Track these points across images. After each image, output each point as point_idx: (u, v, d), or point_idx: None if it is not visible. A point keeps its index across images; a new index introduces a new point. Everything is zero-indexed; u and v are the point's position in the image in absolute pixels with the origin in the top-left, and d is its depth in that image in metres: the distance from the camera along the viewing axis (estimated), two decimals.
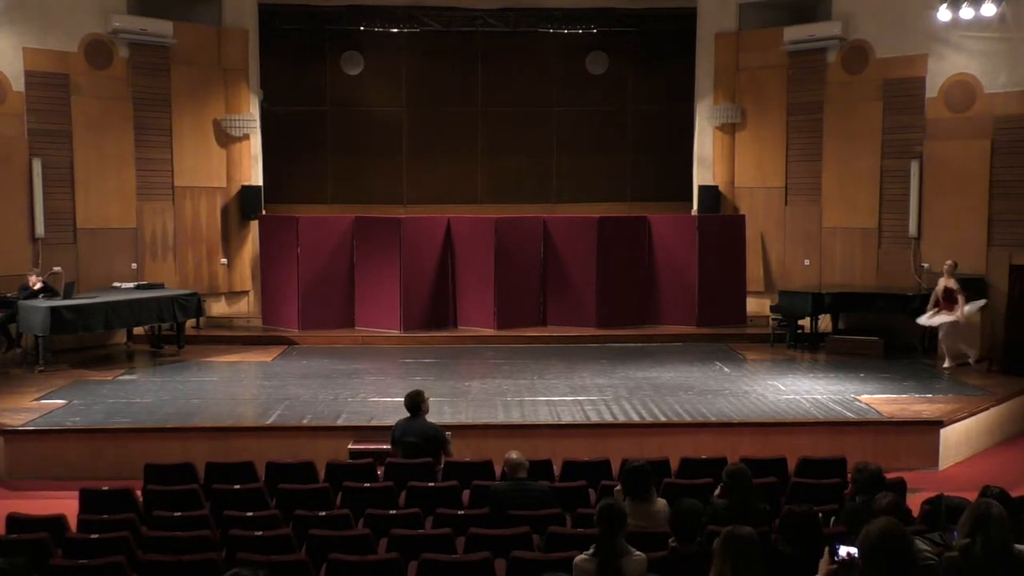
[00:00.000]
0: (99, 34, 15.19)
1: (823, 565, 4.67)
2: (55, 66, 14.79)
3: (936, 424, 10.54)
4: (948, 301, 13.30)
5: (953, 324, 13.30)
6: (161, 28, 15.60)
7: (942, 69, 14.74)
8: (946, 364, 13.43)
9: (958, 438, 10.77)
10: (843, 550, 4.58)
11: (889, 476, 6.88)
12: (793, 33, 16.09)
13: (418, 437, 8.43)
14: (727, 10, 16.94)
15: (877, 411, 10.96)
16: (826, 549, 4.70)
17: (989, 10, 13.58)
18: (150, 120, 15.77)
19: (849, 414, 10.89)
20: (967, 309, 13.22)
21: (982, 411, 11.21)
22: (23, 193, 14.48)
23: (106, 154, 15.32)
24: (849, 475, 7.20)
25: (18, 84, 14.43)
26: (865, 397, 11.59)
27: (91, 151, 15.17)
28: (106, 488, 7.66)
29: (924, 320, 13.59)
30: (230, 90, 16.58)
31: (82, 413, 10.92)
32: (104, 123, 15.28)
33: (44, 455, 10.11)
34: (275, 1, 17.08)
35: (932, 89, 14.85)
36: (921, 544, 4.66)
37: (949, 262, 13.49)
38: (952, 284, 13.31)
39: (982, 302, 13.57)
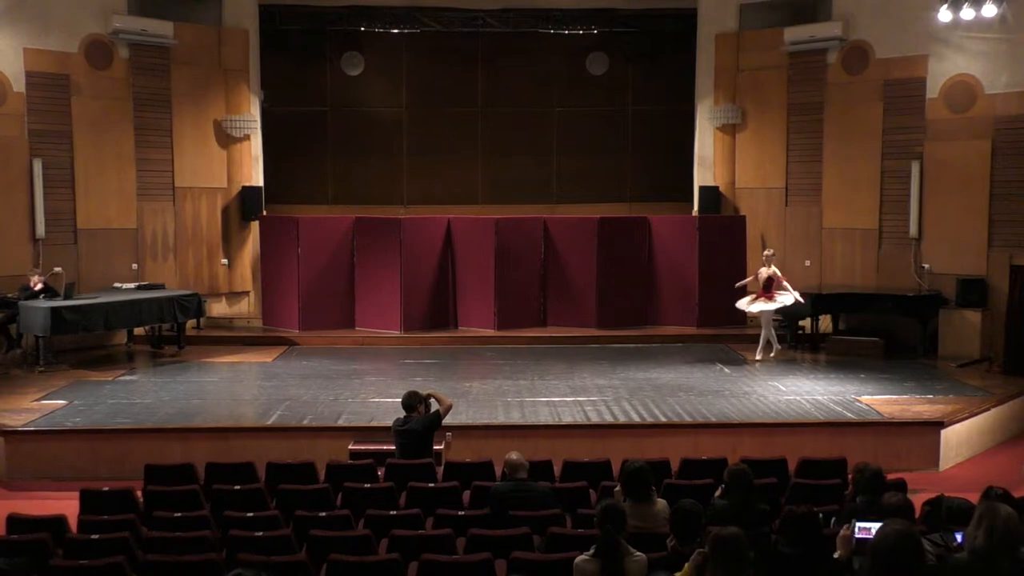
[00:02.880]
0: (99, 34, 15.17)
1: (842, 542, 4.72)
2: (55, 67, 14.78)
3: (937, 425, 10.54)
4: (767, 290, 13.67)
5: (771, 312, 13.76)
6: (161, 28, 15.58)
7: (943, 70, 14.72)
8: (758, 356, 13.85)
9: (959, 439, 10.76)
10: (861, 526, 4.63)
11: (890, 477, 6.89)
12: (793, 34, 16.07)
13: (417, 424, 8.51)
14: (727, 11, 16.92)
15: (878, 412, 10.97)
16: (845, 525, 4.74)
17: (990, 11, 13.55)
18: (150, 120, 15.75)
19: (849, 415, 10.90)
20: (796, 295, 13.73)
21: (983, 412, 11.21)
22: (23, 193, 14.48)
23: (106, 154, 15.31)
24: (850, 476, 7.22)
25: (18, 85, 14.43)
26: (865, 398, 11.59)
27: (91, 151, 15.16)
28: (106, 489, 7.66)
29: (743, 305, 13.90)
30: (230, 90, 16.57)
31: (83, 414, 10.91)
32: (104, 123, 15.27)
33: (44, 456, 10.10)
34: (276, 2, 17.06)
35: (933, 90, 14.82)
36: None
37: (768, 251, 13.94)
38: (773, 273, 13.64)
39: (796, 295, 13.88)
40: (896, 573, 3.90)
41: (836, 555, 4.90)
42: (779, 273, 13.73)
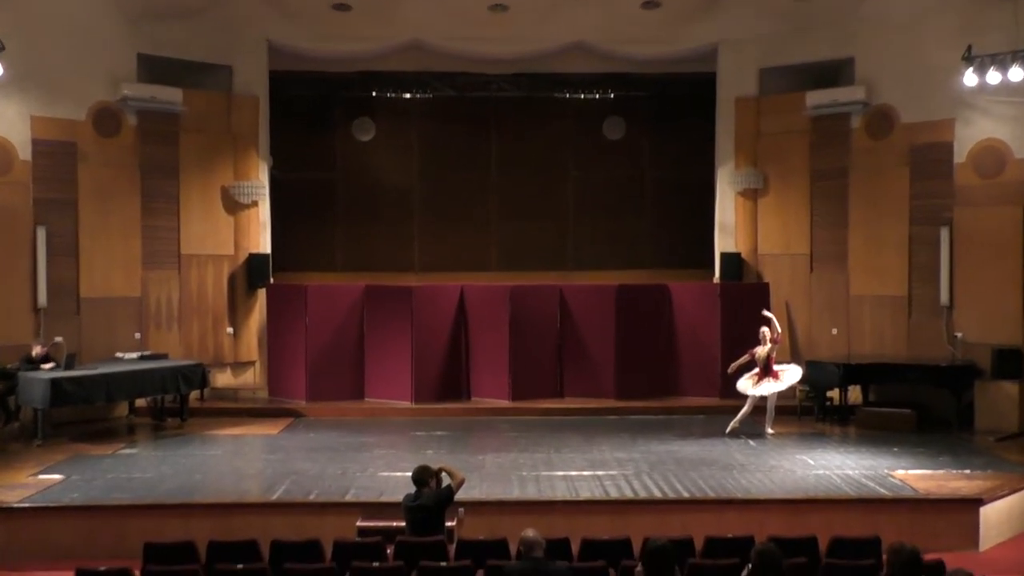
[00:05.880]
0: (108, 102, 15.08)
1: None
2: (62, 134, 14.65)
3: (975, 502, 10.03)
4: (768, 368, 13.20)
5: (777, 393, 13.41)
6: (171, 95, 15.50)
7: (970, 134, 14.46)
8: (770, 430, 13.39)
9: (999, 517, 10.23)
10: None
11: (927, 558, 6.43)
12: (816, 98, 15.89)
13: (428, 500, 8.16)
14: (747, 75, 16.72)
15: (912, 488, 10.47)
16: None
17: (1017, 75, 13.27)
18: (157, 187, 15.59)
19: (883, 491, 10.41)
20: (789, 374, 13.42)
21: None
22: (26, 262, 14.26)
23: (112, 222, 15.12)
24: (884, 556, 6.76)
25: (24, 153, 14.28)
26: (899, 473, 11.12)
27: (97, 219, 14.97)
28: (103, 569, 7.29)
29: (749, 390, 13.28)
30: (239, 156, 16.41)
31: (80, 489, 10.57)
32: (111, 191, 15.11)
33: (39, 534, 9.74)
34: (286, 68, 17.01)
35: (960, 154, 14.55)
36: None
37: (765, 329, 13.33)
38: (772, 352, 13.24)
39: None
40: None
41: None
42: (774, 353, 13.28)
